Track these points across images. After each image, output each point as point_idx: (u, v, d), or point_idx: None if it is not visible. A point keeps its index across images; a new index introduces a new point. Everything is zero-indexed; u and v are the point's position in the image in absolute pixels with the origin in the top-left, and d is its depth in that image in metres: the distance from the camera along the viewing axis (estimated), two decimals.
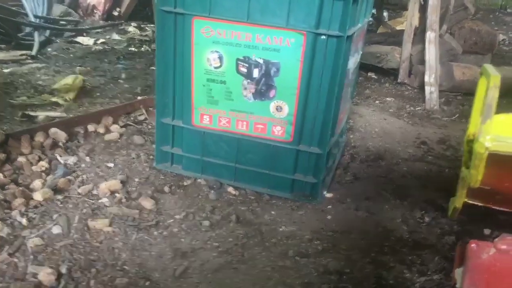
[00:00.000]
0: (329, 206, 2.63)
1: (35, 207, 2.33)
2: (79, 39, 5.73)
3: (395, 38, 5.53)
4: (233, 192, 2.68)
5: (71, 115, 3.40)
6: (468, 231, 2.44)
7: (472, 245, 1.02)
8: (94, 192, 2.52)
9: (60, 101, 3.68)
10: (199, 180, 2.75)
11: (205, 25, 2.40)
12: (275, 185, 2.68)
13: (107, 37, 6.05)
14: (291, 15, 2.27)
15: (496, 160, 1.13)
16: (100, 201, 2.45)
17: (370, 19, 7.47)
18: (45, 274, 1.88)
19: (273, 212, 2.54)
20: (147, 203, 2.46)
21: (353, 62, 2.69)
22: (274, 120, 2.53)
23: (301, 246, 2.26)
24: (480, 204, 1.52)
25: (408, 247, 2.31)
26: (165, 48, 2.53)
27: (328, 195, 2.75)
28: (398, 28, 6.63)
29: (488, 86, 1.63)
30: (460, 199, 1.61)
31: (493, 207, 1.51)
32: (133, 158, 2.91)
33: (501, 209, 1.50)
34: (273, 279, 2.01)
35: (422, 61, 4.71)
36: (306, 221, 2.49)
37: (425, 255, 2.24)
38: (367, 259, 2.19)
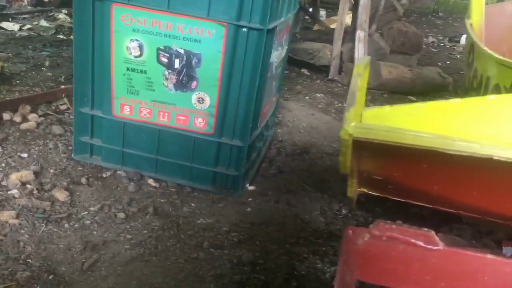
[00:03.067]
0: (250, 199, 2.65)
1: None
2: (4, 24, 5.44)
3: (328, 36, 5.64)
4: (154, 184, 2.63)
5: None
6: None
7: (349, 231, 1.05)
8: (4, 183, 2.40)
9: None
10: (119, 172, 2.68)
11: (125, 12, 2.33)
12: (196, 177, 2.66)
13: (35, 23, 5.77)
14: (212, 5, 2.25)
15: (382, 150, 1.18)
16: (9, 192, 2.33)
17: (306, 17, 7.63)
18: None
19: (192, 205, 2.52)
20: (61, 195, 2.36)
21: (276, 55, 2.71)
22: (196, 111, 2.51)
23: (217, 238, 2.25)
24: (377, 194, 1.58)
25: (323, 238, 2.36)
26: (83, 35, 2.43)
27: (251, 187, 2.77)
28: (332, 26, 6.76)
29: (353, 74, 1.68)
30: (351, 189, 1.64)
31: (390, 197, 1.57)
32: (50, 148, 2.79)
33: (395, 198, 1.57)
34: (185, 271, 1.99)
35: (352, 59, 4.83)
36: (226, 213, 2.48)
37: (338, 246, 2.30)
38: (282, 250, 2.22)
